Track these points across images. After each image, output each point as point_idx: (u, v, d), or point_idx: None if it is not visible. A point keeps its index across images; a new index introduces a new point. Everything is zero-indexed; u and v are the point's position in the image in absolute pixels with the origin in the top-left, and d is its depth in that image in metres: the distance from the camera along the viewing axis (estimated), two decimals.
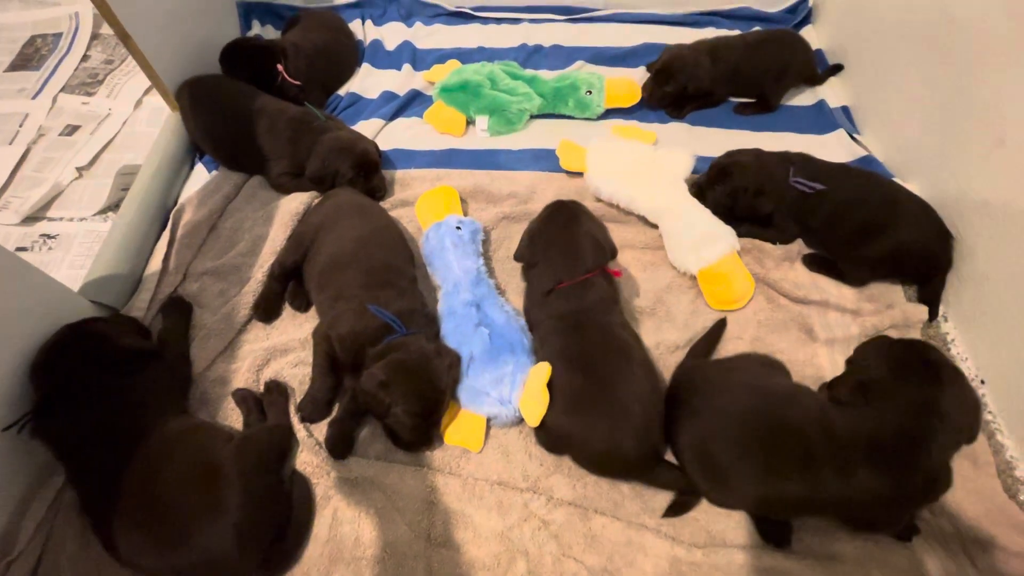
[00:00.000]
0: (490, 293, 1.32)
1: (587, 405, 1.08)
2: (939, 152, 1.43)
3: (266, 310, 1.37)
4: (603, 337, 1.14)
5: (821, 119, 1.75)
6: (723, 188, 1.41)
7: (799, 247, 1.46)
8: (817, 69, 1.83)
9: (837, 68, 1.85)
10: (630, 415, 1.05)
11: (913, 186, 1.44)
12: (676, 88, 1.72)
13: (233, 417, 1.22)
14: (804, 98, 1.83)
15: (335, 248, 1.30)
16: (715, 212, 1.43)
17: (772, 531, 1.05)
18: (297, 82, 1.77)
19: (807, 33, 1.99)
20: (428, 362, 1.11)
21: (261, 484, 1.01)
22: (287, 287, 1.40)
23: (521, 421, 1.19)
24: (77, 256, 1.55)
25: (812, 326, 1.32)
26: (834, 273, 1.40)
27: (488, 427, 1.19)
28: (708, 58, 1.71)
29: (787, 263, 1.43)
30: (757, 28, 2.00)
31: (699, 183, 1.47)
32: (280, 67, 1.74)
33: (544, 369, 1.13)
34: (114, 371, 1.08)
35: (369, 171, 1.53)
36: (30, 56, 2.11)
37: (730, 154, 1.45)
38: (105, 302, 1.33)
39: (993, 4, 1.26)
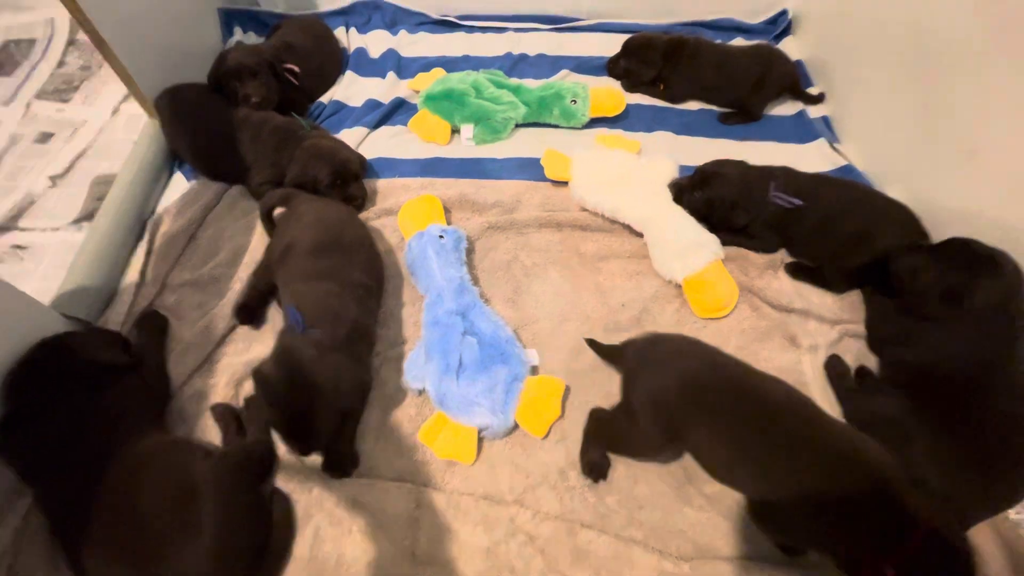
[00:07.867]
0: (475, 302, 1.30)
1: None
2: (915, 162, 1.46)
3: (249, 313, 1.33)
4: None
5: (802, 129, 1.78)
6: (702, 195, 1.43)
7: (783, 256, 1.47)
8: (799, 81, 1.85)
9: (820, 97, 1.86)
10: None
11: (891, 195, 1.45)
12: (629, 65, 1.87)
13: (212, 433, 1.19)
14: (786, 108, 1.85)
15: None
16: (691, 214, 1.45)
17: None
18: (295, 75, 1.77)
19: (787, 44, 2.03)
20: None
21: (239, 502, 0.98)
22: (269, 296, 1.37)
23: (511, 432, 1.18)
24: (49, 268, 1.50)
25: (795, 334, 1.33)
26: (817, 281, 1.41)
27: (479, 439, 1.17)
28: (664, 47, 1.80)
29: (770, 271, 1.45)
30: (739, 39, 2.04)
31: (679, 184, 1.48)
32: (288, 65, 1.75)
33: (552, 381, 1.10)
34: (85, 388, 1.05)
35: (347, 179, 1.51)
36: (3, 62, 2.06)
37: (717, 163, 1.45)
38: (78, 316, 1.29)
39: (965, 20, 1.29)
